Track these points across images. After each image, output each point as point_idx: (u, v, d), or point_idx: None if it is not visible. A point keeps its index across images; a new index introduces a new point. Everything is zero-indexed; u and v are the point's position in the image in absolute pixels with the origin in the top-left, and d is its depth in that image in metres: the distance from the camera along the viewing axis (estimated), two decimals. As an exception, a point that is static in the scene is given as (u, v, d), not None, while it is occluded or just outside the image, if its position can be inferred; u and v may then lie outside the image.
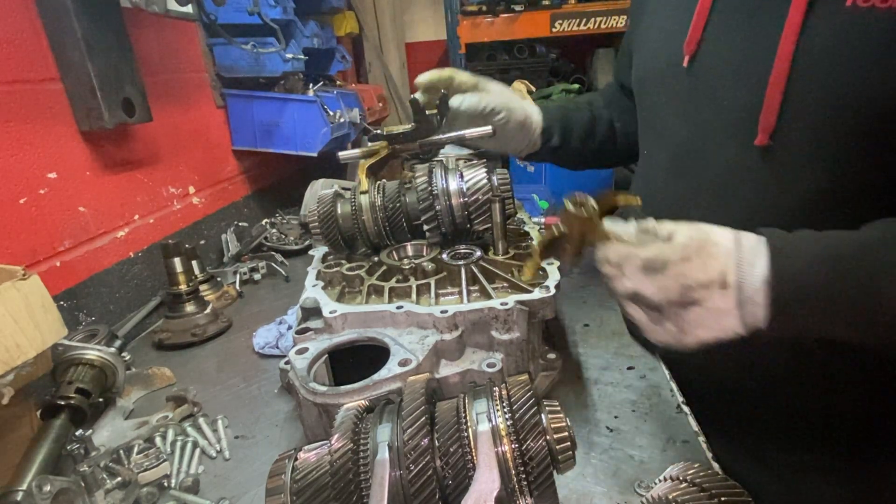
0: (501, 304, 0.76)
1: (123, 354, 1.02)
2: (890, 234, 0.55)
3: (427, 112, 0.93)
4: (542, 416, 0.53)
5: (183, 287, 1.20)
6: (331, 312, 0.81)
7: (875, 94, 0.59)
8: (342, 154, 1.07)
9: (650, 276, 0.59)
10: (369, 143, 1.07)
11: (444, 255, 0.92)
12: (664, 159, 0.87)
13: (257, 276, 1.51)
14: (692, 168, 0.80)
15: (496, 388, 0.57)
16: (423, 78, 0.94)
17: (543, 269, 0.88)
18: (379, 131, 1.04)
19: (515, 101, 0.98)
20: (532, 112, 1.03)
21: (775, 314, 0.55)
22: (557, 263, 0.89)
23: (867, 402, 0.79)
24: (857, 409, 0.80)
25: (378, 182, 1.02)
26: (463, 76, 0.95)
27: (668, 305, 0.58)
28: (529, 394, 0.54)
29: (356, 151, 1.06)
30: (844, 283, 0.53)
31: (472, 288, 0.86)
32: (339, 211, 0.99)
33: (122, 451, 0.81)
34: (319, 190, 1.58)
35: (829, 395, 0.79)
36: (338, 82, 2.54)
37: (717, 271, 0.56)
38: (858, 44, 0.59)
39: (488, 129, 1.01)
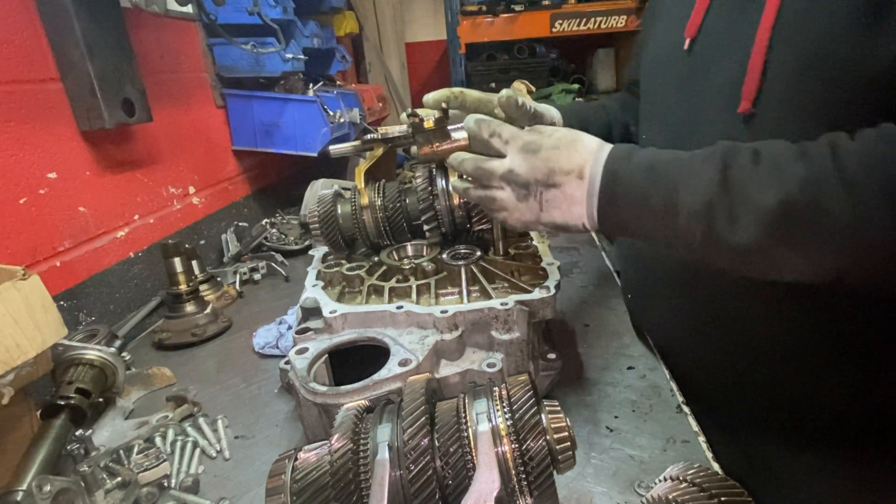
0: (501, 304, 0.76)
1: (123, 354, 1.02)
2: (709, 151, 0.62)
3: (427, 128, 0.94)
4: (542, 416, 0.53)
5: (183, 287, 1.20)
6: (331, 312, 0.81)
7: (843, 58, 0.61)
8: (333, 148, 1.07)
9: (526, 155, 0.69)
10: (361, 143, 1.07)
11: (444, 255, 0.92)
12: (661, 141, 0.89)
13: (257, 276, 1.51)
14: (685, 146, 0.83)
15: (496, 388, 0.57)
16: (431, 96, 0.96)
17: (543, 270, 0.88)
18: (373, 134, 1.04)
19: (540, 105, 1.00)
20: (554, 112, 1.04)
21: (602, 206, 0.66)
22: (558, 264, 0.90)
23: (865, 402, 0.79)
24: (854, 409, 0.80)
25: (378, 182, 1.02)
26: (474, 92, 0.97)
27: (535, 184, 0.69)
28: (529, 394, 0.54)
29: (347, 145, 1.06)
30: (653, 188, 0.62)
31: (472, 288, 0.86)
32: (339, 211, 0.99)
33: (122, 451, 0.81)
34: (319, 190, 1.58)
35: (826, 394, 0.79)
36: (338, 82, 2.54)
37: (578, 163, 0.67)
38: (829, 8, 0.62)
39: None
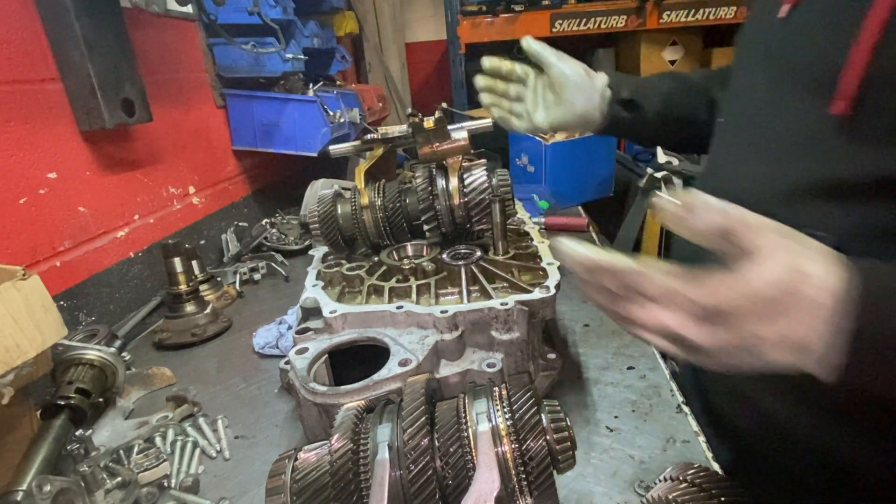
0: (501, 304, 0.76)
1: (123, 354, 1.02)
2: None
3: (427, 128, 0.94)
4: (542, 416, 0.53)
5: (183, 287, 1.20)
6: (331, 312, 0.81)
7: None
8: (333, 148, 1.07)
9: (703, 324, 0.44)
10: (361, 143, 1.07)
11: (444, 255, 0.92)
12: (735, 115, 0.79)
13: (257, 276, 1.51)
14: (759, 127, 0.71)
15: (496, 388, 0.57)
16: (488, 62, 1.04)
17: (543, 270, 0.88)
18: (373, 134, 1.05)
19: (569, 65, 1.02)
20: (596, 73, 1.04)
21: (848, 378, 0.42)
22: (558, 264, 0.90)
23: None
24: None
25: (378, 182, 1.02)
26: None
27: (718, 352, 0.45)
28: (529, 394, 0.54)
29: (347, 145, 1.06)
30: None
31: (472, 288, 0.86)
32: (339, 211, 0.99)
33: (122, 451, 0.81)
34: (319, 190, 1.58)
35: (879, 460, 0.63)
36: (338, 82, 2.54)
37: (801, 338, 0.42)
38: None
39: (488, 121, 1.06)
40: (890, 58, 0.50)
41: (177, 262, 1.20)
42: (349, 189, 1.02)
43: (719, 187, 0.65)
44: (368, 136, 1.06)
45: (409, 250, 1.01)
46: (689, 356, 0.47)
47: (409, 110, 0.93)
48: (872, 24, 0.50)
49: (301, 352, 0.76)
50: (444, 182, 0.94)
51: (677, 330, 0.45)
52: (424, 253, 0.98)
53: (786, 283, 0.42)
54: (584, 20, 2.90)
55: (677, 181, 2.10)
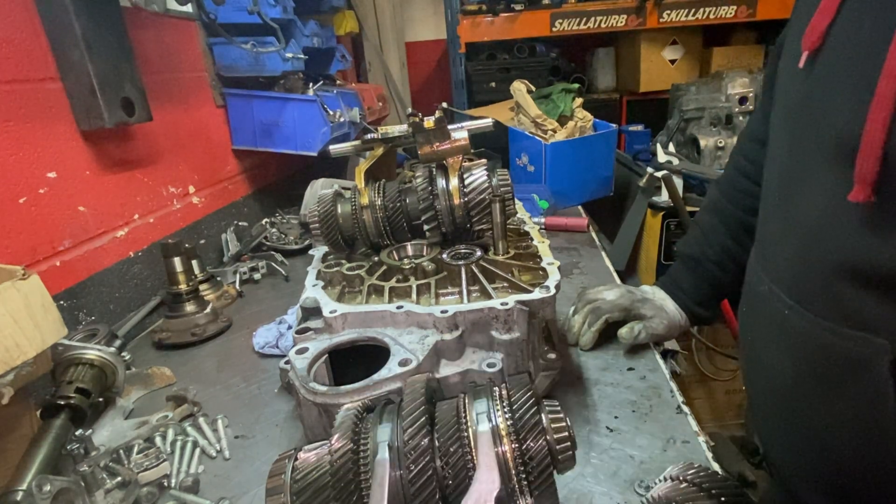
0: (501, 304, 0.76)
1: (123, 354, 1.02)
2: None
3: (427, 127, 0.94)
4: (542, 415, 0.53)
5: (183, 287, 1.20)
6: (331, 312, 0.81)
7: None
8: (333, 148, 1.07)
9: None
10: (361, 143, 1.08)
11: (445, 255, 0.92)
12: (768, 181, 0.70)
13: (257, 276, 1.51)
14: (788, 201, 0.61)
15: (496, 388, 0.57)
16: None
17: (543, 270, 0.88)
18: (373, 134, 1.05)
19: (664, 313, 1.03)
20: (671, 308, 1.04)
21: None
22: (558, 263, 0.90)
23: None
24: None
25: (378, 182, 1.02)
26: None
27: None
28: (529, 393, 0.54)
29: (347, 145, 1.06)
30: None
31: (472, 288, 0.86)
32: (339, 211, 0.99)
33: (122, 451, 0.81)
34: (319, 190, 1.58)
35: None
36: (338, 82, 2.54)
37: None
38: None
39: (488, 121, 1.06)
40: None
41: (177, 261, 1.20)
42: (349, 189, 1.02)
43: (767, 265, 0.63)
44: (368, 136, 1.06)
45: (409, 250, 1.01)
46: None
47: (409, 110, 0.93)
48: (886, 88, 0.39)
49: (301, 352, 0.76)
50: (444, 182, 0.94)
51: None
52: (424, 253, 0.98)
53: None
54: (584, 19, 2.90)
55: (678, 181, 2.09)
